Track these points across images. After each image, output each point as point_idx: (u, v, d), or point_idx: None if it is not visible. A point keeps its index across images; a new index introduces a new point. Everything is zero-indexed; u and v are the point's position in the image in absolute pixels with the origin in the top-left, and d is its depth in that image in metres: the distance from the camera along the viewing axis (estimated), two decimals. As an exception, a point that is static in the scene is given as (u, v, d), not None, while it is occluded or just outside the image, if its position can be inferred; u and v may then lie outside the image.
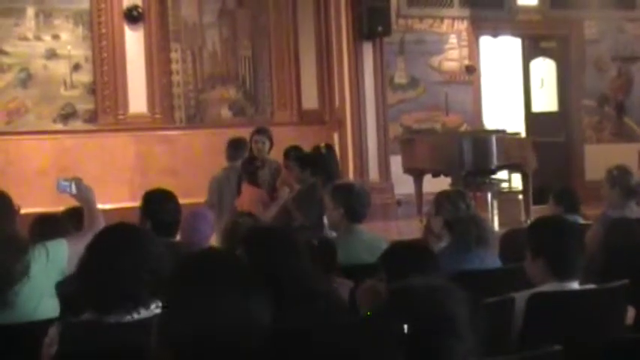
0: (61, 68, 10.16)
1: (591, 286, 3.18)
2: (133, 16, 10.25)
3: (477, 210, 4.79)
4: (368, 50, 10.35)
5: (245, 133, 10.34)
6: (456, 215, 4.25)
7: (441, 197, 4.54)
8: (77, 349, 2.39)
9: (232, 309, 1.38)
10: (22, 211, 3.30)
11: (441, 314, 1.61)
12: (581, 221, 5.18)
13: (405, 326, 1.58)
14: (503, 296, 3.06)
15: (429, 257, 2.97)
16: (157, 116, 10.47)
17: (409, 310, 1.61)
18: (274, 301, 2.56)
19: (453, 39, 11.19)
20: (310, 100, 11.07)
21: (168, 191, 4.36)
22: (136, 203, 4.47)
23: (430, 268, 2.82)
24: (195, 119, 10.73)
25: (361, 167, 10.19)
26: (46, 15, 10.12)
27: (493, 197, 9.00)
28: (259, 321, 1.41)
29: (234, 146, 7.47)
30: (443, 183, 8.15)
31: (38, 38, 10.10)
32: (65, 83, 10.20)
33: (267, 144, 7.33)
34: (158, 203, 4.23)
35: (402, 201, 10.00)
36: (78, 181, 3.43)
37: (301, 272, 2.70)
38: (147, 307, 2.45)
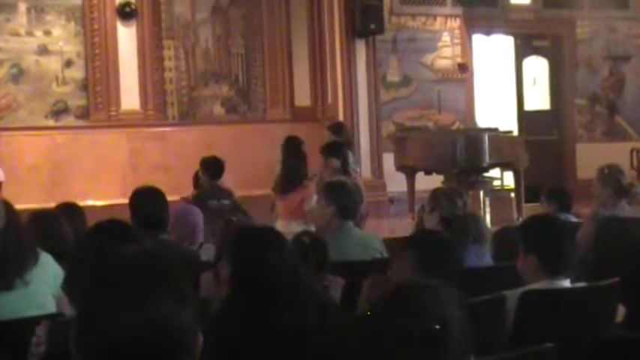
0: (53, 64, 10.12)
1: (582, 284, 3.19)
2: (125, 13, 10.23)
3: (472, 208, 4.81)
4: (361, 48, 10.35)
5: (237, 130, 10.39)
6: (452, 212, 4.25)
7: (438, 194, 4.53)
8: (67, 348, 2.38)
9: (135, 313, 1.36)
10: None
11: (431, 316, 1.60)
12: (574, 220, 5.19)
13: (395, 328, 1.58)
14: (495, 294, 3.06)
15: (453, 249, 2.96)
16: (150, 113, 10.45)
17: (400, 311, 1.61)
18: (263, 301, 2.58)
19: (445, 37, 11.20)
20: (303, 97, 11.06)
21: (155, 188, 4.37)
22: (128, 200, 4.46)
23: (454, 261, 2.83)
24: (188, 116, 10.71)
25: (354, 165, 10.18)
26: (38, 11, 10.09)
27: (485, 195, 9.03)
28: (171, 322, 1.39)
29: None
30: (435, 181, 8.16)
31: (30, 34, 10.06)
32: (57, 79, 10.16)
33: (330, 136, 7.44)
34: (144, 200, 4.23)
35: (395, 198, 10.01)
36: None
37: (290, 271, 2.69)
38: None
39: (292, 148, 7.19)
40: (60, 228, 3.82)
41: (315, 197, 6.06)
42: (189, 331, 1.41)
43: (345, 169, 6.66)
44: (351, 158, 7.33)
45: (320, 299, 2.76)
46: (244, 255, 2.73)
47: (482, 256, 4.05)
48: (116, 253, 1.54)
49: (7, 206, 3.07)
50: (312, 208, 5.94)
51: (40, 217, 3.89)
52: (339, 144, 7.10)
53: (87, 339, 1.38)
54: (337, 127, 7.86)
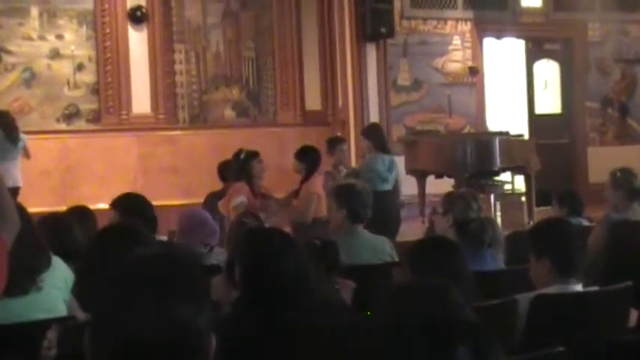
0: (64, 68, 10.17)
1: (594, 288, 3.17)
2: (136, 17, 10.26)
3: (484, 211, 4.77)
4: (371, 51, 10.34)
5: (248, 133, 10.40)
6: (466, 215, 4.21)
7: (454, 196, 4.47)
8: (77, 352, 2.38)
9: (155, 314, 1.36)
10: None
11: (444, 314, 1.58)
12: (585, 223, 5.17)
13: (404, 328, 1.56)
14: (507, 298, 3.05)
15: (457, 254, 2.94)
16: (161, 116, 10.48)
17: (413, 308, 1.59)
18: (270, 303, 2.57)
19: (456, 40, 11.18)
20: (313, 101, 11.07)
21: (134, 194, 4.42)
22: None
23: (459, 267, 2.82)
24: (199, 120, 10.73)
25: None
26: (50, 15, 10.13)
27: (496, 199, 9.00)
28: (190, 324, 1.39)
29: None
30: (446, 184, 8.14)
31: (42, 38, 10.11)
32: (69, 83, 10.21)
33: (364, 141, 7.73)
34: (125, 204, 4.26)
35: (405, 202, 9.98)
36: None
37: (301, 273, 2.69)
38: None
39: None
40: (71, 230, 3.84)
41: (240, 196, 6.31)
42: (205, 334, 1.41)
43: (308, 173, 6.69)
44: (378, 164, 7.35)
45: (330, 301, 2.76)
46: (252, 257, 2.74)
47: (497, 260, 4.04)
48: (134, 256, 1.54)
49: (22, 211, 3.08)
50: (237, 204, 6.18)
51: (51, 219, 3.92)
52: (307, 148, 7.11)
53: (105, 341, 1.38)
54: (364, 131, 8.04)
